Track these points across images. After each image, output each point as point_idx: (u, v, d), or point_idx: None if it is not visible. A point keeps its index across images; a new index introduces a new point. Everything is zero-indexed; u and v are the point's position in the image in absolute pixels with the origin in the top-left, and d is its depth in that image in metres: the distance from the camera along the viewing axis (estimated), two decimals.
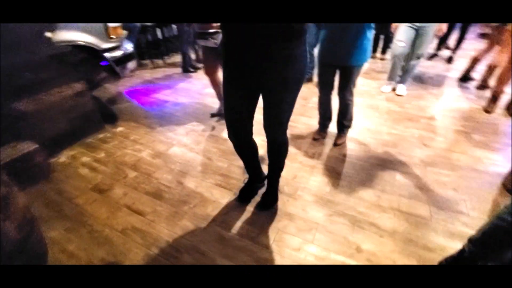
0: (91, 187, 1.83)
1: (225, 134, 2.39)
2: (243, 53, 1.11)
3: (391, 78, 3.06)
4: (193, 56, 4.22)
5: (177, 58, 4.82)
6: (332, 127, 2.26)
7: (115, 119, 2.68)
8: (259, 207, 1.60)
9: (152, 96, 3.23)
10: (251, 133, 1.42)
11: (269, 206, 1.60)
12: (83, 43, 2.13)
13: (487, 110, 2.63)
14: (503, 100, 2.66)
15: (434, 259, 1.30)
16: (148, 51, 4.30)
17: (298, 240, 1.42)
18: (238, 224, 1.52)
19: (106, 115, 2.68)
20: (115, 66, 2.36)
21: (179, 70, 4.10)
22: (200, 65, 4.15)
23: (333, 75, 1.90)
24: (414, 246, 1.38)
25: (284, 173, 1.61)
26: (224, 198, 1.70)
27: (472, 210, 1.56)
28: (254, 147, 1.51)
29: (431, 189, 1.72)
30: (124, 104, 3.05)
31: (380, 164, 1.96)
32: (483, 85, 3.13)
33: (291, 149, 2.06)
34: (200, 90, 3.38)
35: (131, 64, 2.55)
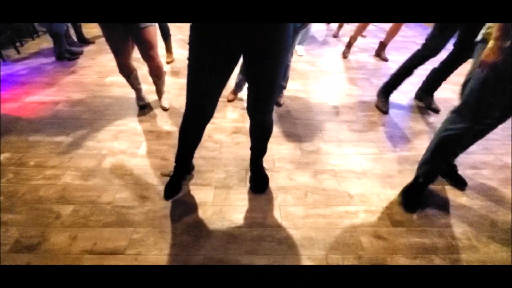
0: (9, 249, 1.25)
1: (165, 125, 2.04)
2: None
3: None
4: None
5: (35, 44, 3.57)
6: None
7: None
8: (257, 190, 1.53)
9: (28, 100, 2.33)
10: (211, 117, 1.23)
11: (265, 188, 1.55)
12: None
13: (344, 56, 3.28)
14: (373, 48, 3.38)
15: (399, 183, 1.63)
16: None
17: (301, 208, 1.46)
18: (239, 216, 1.41)
19: None
20: None
21: (49, 59, 3.06)
22: (79, 49, 3.23)
23: None
24: (382, 177, 1.67)
25: None
26: (208, 196, 1.52)
27: (402, 138, 2.01)
28: (202, 134, 1.33)
29: (369, 129, 2.08)
30: None
31: (325, 119, 2.19)
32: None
33: (246, 124, 1.98)
34: (97, 81, 2.67)
35: None
